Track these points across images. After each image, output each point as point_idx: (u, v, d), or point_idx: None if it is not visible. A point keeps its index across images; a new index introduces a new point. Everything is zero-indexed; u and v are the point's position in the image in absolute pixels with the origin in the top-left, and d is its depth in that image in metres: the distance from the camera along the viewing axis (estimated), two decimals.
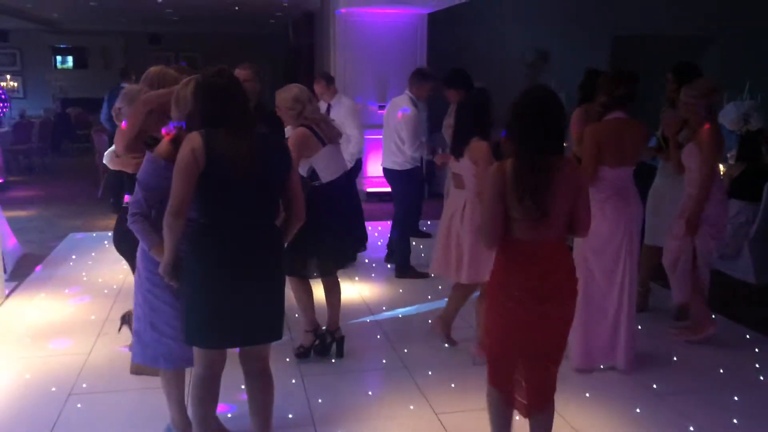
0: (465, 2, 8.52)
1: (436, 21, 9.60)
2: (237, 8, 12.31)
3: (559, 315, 2.76)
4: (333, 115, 6.00)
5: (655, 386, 3.91)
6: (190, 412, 2.99)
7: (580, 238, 4.07)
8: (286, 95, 3.98)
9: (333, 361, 4.23)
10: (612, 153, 3.93)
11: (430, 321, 4.71)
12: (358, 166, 6.49)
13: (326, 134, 4.00)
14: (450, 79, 5.53)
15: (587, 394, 3.80)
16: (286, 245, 2.99)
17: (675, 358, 4.29)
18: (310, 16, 11.22)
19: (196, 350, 2.85)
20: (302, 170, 3.94)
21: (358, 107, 6.72)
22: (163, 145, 2.87)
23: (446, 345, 4.44)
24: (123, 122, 3.58)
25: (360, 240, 4.31)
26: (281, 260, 2.90)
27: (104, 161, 3.85)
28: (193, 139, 2.65)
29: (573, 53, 10.30)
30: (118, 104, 3.74)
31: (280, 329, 2.93)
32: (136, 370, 3.98)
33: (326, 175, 4.01)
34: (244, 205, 2.71)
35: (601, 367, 4.12)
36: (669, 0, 10.60)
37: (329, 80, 6.38)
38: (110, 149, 3.83)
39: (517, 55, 11.15)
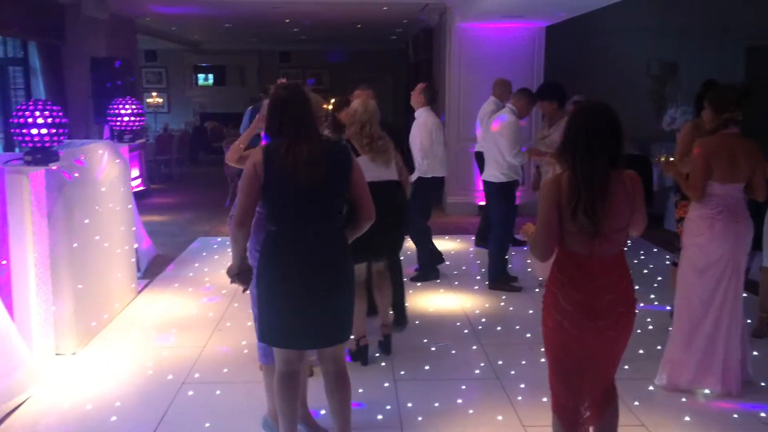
0: (584, 14, 8.35)
1: (553, 33, 9.48)
2: (359, 26, 12.78)
3: (611, 337, 2.69)
4: (413, 125, 6.04)
5: (763, 416, 3.69)
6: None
7: (686, 257, 3.94)
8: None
9: (427, 367, 4.33)
10: (723, 168, 3.78)
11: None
12: (435, 181, 6.10)
13: (363, 148, 4.20)
14: (542, 91, 5.61)
15: (687, 418, 3.66)
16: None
17: None
18: (429, 32, 11.42)
19: (274, 348, 3.05)
20: None
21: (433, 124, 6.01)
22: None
23: None
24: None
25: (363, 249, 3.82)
26: (347, 263, 3.02)
27: (228, 162, 4.07)
28: (256, 154, 2.91)
29: (703, 65, 9.77)
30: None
31: (346, 332, 3.07)
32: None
33: None
34: (306, 212, 2.88)
35: (690, 389, 3.92)
36: None
37: (424, 90, 6.07)
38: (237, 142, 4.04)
39: (641, 66, 10.76)
